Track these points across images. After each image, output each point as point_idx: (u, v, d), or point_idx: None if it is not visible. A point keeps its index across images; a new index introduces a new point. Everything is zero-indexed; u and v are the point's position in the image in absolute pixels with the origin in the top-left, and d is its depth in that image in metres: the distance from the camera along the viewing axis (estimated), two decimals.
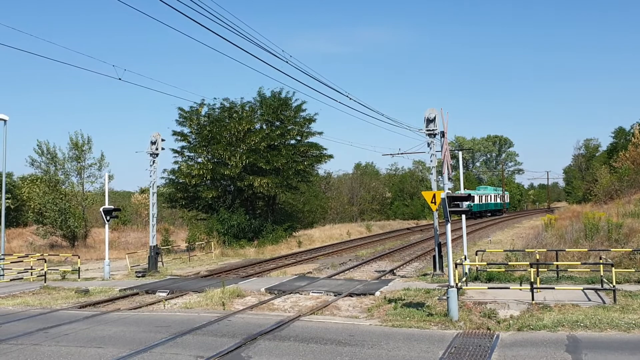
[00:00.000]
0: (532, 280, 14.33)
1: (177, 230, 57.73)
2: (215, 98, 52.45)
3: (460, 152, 21.42)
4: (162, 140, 25.32)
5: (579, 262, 17.26)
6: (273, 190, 41.05)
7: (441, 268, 20.44)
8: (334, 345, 11.17)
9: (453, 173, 16.13)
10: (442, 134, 13.30)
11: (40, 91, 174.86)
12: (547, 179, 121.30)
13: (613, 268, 14.16)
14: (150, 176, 25.52)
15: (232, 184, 42.24)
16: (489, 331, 11.98)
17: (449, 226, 13.50)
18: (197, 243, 38.97)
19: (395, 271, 23.46)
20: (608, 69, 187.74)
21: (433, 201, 18.23)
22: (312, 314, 14.64)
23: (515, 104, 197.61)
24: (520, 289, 15.70)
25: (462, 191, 19.46)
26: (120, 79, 18.22)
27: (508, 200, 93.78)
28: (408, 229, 58.23)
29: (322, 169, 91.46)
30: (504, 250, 21.67)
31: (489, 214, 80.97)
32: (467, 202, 14.36)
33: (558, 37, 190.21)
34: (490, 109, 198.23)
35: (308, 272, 23.82)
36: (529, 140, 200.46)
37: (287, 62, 16.84)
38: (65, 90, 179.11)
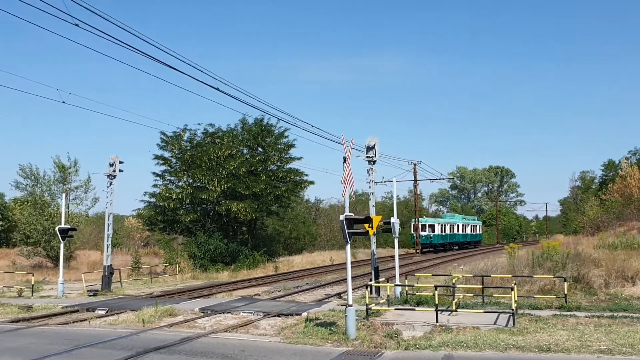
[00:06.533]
0: (437, 302, 14.61)
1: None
2: (199, 124, 53.61)
3: (394, 180, 21.73)
4: (120, 162, 25.87)
5: (480, 286, 17.50)
6: (251, 215, 41.56)
7: (377, 291, 20.68)
8: (219, 359, 11.56)
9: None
10: (345, 159, 13.78)
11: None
12: (546, 210, 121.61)
13: (512, 292, 14.46)
14: (107, 197, 26.06)
15: (212, 208, 42.83)
16: (375, 349, 12.31)
17: (348, 247, 13.86)
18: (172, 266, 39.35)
19: (342, 295, 23.69)
20: (605, 100, 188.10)
21: (370, 226, 18.61)
22: (225, 331, 14.99)
23: (517, 135, 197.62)
24: (436, 311, 15.94)
25: (395, 218, 19.81)
26: (64, 102, 18.92)
27: (480, 232, 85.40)
28: (392, 256, 58.19)
29: (313, 196, 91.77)
30: (433, 275, 21.89)
31: (456, 247, 71.35)
32: (367, 224, 14.77)
33: (560, 68, 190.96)
34: (493, 140, 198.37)
35: (255, 294, 24.13)
36: (530, 171, 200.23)
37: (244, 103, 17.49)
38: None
